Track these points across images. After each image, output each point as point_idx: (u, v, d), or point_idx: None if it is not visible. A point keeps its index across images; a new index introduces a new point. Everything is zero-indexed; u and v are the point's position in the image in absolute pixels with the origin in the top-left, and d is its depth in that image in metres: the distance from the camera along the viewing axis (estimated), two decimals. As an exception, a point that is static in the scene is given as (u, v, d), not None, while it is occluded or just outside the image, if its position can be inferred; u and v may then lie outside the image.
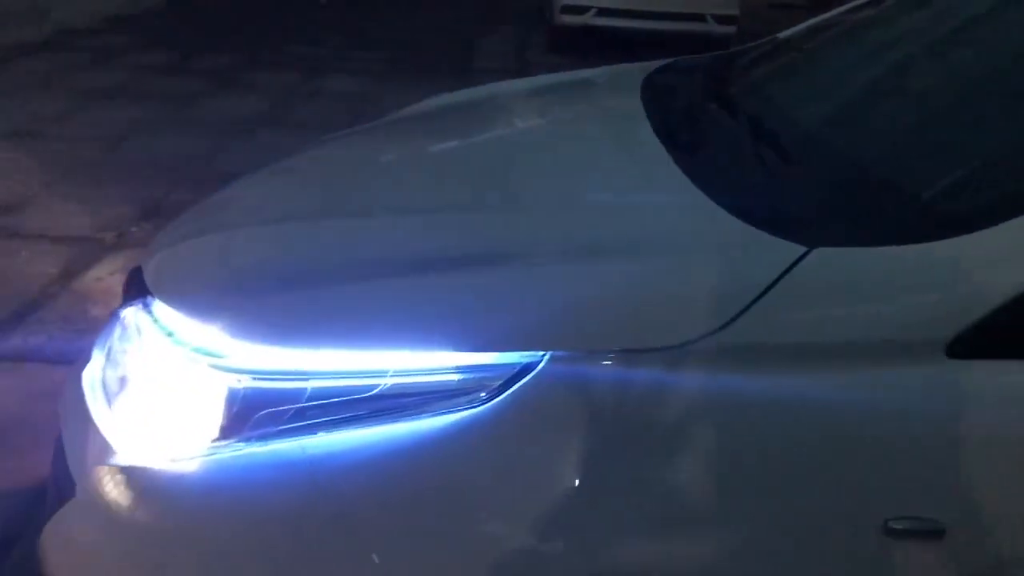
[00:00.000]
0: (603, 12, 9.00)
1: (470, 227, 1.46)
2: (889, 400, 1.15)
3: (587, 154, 1.78)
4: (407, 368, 1.20)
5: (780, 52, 2.20)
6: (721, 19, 8.85)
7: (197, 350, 1.30)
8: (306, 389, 1.20)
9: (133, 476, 1.27)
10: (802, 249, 1.21)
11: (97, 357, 1.55)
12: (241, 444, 1.21)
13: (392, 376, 1.20)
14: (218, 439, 1.23)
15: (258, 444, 1.20)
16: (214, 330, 1.29)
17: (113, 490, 1.28)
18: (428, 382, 1.20)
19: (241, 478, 1.20)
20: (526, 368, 1.17)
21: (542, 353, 1.18)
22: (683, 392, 1.16)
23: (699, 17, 8.87)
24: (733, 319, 1.17)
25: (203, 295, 1.40)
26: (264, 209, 1.76)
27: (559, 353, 1.18)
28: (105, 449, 1.32)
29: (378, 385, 1.19)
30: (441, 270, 1.31)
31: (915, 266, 1.19)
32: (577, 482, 1.15)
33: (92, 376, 1.50)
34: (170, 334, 1.36)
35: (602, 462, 1.15)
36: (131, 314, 1.49)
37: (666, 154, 1.60)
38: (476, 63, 8.53)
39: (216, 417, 1.23)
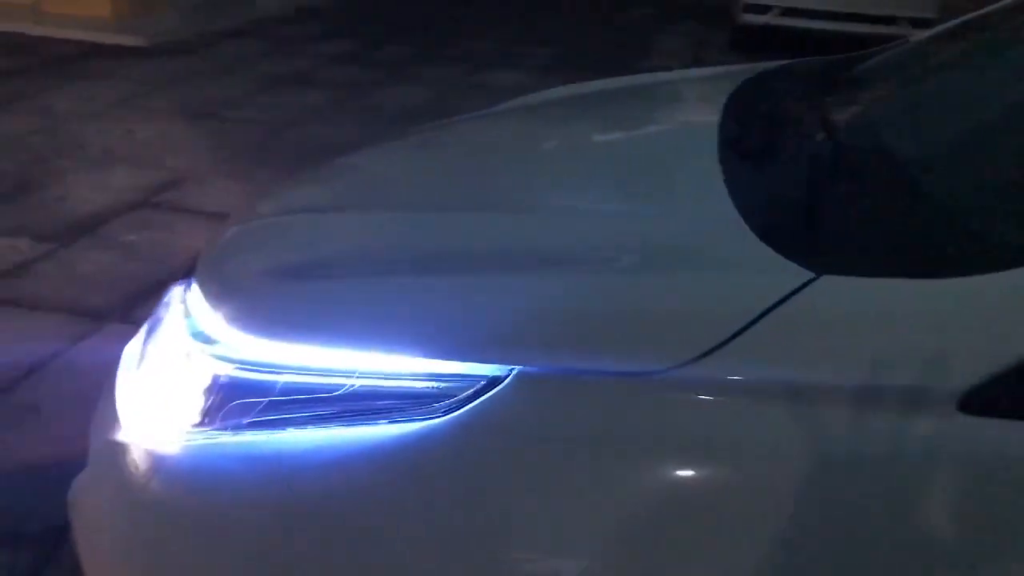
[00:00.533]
0: (788, 12, 8.65)
1: (472, 227, 1.42)
2: (884, 455, 1.02)
3: (638, 157, 1.69)
4: (374, 370, 1.18)
5: (882, 61, 2.01)
6: (916, 22, 8.27)
7: (197, 334, 1.33)
8: (278, 383, 1.20)
9: (125, 453, 1.31)
10: (809, 275, 1.10)
11: (143, 330, 1.62)
12: (215, 432, 1.22)
13: (359, 377, 1.17)
14: (197, 425, 1.25)
15: (229, 434, 1.21)
16: (217, 316, 1.32)
17: (109, 464, 1.33)
18: (393, 387, 1.17)
19: (211, 466, 1.22)
20: (492, 382, 1.12)
21: (510, 367, 1.12)
22: (653, 426, 1.08)
23: (891, 19, 8.34)
24: (719, 346, 1.07)
25: (220, 280, 1.43)
26: (312, 196, 1.79)
27: (528, 369, 1.12)
28: (114, 422, 1.38)
29: (344, 386, 1.18)
30: (428, 270, 1.28)
31: (933, 304, 1.05)
32: (522, 509, 1.08)
33: (131, 349, 1.57)
34: (187, 315, 1.40)
35: (558, 493, 1.08)
36: (175, 291, 1.55)
37: (716, 162, 1.50)
38: (648, 61, 8.39)
39: (199, 403, 1.26)
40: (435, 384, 1.15)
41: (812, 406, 1.04)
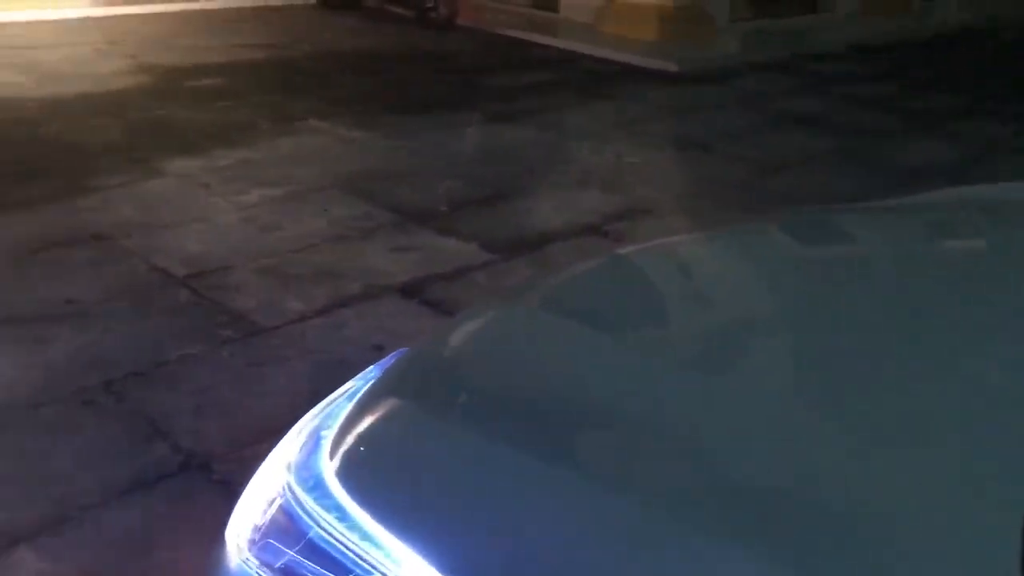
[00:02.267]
0: None
1: (692, 397, 0.99)
2: None
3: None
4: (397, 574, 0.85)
5: None
6: None
7: (290, 445, 1.13)
8: (307, 534, 0.94)
9: (220, 548, 1.16)
10: None
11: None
12: (247, 564, 1.01)
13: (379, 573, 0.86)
14: (252, 545, 1.04)
15: (257, 570, 0.98)
16: (314, 431, 1.11)
17: (214, 552, 1.20)
18: None
19: None
20: None
21: None
22: None
23: None
24: None
25: (379, 376, 1.21)
26: (591, 291, 1.46)
27: None
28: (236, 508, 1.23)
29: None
30: (562, 456, 0.91)
31: None
32: None
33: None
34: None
35: None
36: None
37: None
38: None
39: (259, 520, 1.05)
40: None
41: None
